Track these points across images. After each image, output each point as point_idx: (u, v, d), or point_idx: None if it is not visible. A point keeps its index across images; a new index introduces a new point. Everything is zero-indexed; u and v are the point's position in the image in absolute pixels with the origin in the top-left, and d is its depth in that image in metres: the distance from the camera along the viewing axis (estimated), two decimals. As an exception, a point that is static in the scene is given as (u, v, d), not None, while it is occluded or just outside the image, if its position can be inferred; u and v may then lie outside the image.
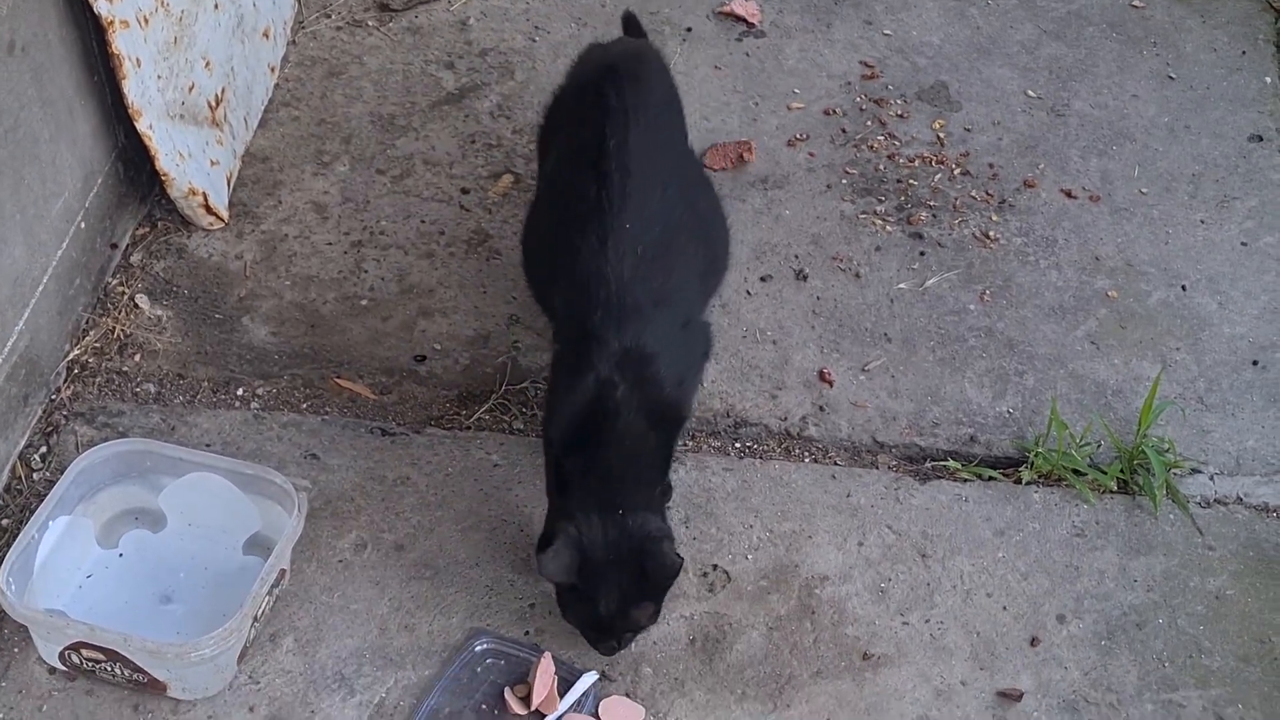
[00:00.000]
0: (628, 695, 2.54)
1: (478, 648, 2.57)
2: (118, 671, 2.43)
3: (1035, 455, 2.89)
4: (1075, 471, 2.88)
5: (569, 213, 2.60)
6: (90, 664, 2.44)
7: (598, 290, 2.50)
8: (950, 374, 3.06)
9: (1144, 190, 3.45)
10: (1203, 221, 3.40)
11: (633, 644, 2.52)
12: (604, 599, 2.43)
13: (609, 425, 2.47)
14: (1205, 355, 3.13)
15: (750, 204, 3.35)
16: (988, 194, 3.41)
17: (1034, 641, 2.64)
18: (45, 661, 2.50)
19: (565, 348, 2.61)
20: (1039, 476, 2.89)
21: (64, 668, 2.48)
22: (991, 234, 3.33)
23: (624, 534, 2.43)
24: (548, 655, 2.51)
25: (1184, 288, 3.25)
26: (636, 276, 2.51)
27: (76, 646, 2.42)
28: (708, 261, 2.72)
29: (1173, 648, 2.65)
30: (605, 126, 2.59)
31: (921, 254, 3.28)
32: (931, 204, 3.39)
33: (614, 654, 2.53)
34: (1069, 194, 3.44)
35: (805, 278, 3.22)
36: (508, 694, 2.52)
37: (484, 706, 2.51)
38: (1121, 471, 2.88)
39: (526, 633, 2.59)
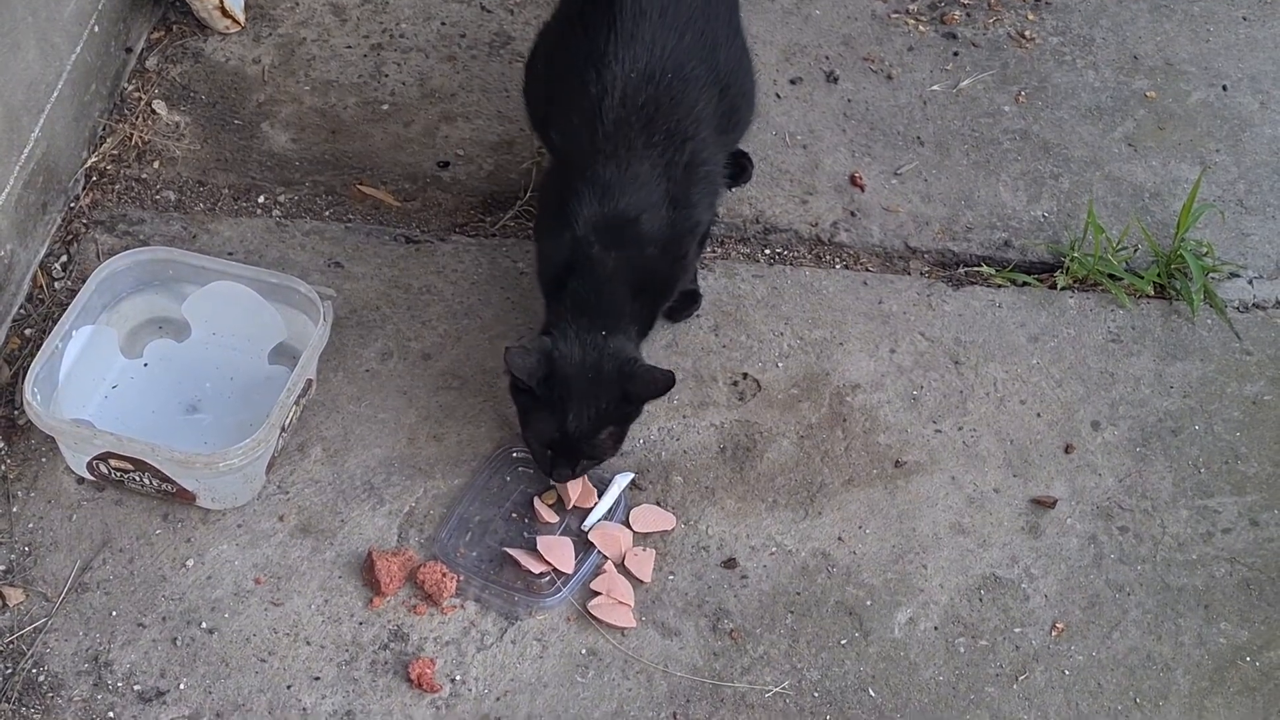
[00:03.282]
0: (658, 504, 2.52)
1: (507, 456, 2.55)
2: (146, 481, 2.42)
3: (1070, 260, 2.84)
4: (1111, 276, 2.83)
5: (575, 46, 2.50)
6: (118, 474, 2.42)
7: (592, 133, 2.42)
8: (984, 177, 3.00)
9: (1185, -14, 3.35)
10: (1245, 19, 3.30)
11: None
12: (574, 414, 2.37)
13: (588, 283, 2.42)
14: (1246, 157, 3.06)
15: (779, 3, 3.26)
16: (1024, -10, 3.32)
17: (1068, 448, 2.62)
18: (73, 472, 2.49)
19: (555, 183, 2.55)
20: (1074, 281, 2.84)
21: (92, 478, 2.47)
22: (1027, 33, 3.24)
23: (603, 355, 2.38)
24: None
25: (1225, 88, 3.17)
26: (635, 123, 2.42)
27: (104, 456, 2.40)
28: (725, 115, 2.57)
29: (1209, 454, 2.62)
30: None
31: (955, 54, 3.20)
32: (965, 2, 3.30)
33: (565, 481, 2.47)
34: (1107, -10, 3.34)
35: (835, 80, 3.14)
36: (537, 502, 2.51)
37: (514, 515, 2.50)
38: (1158, 276, 2.83)
39: (556, 442, 2.57)
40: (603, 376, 2.38)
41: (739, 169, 2.85)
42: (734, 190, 2.89)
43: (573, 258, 2.43)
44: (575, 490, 2.50)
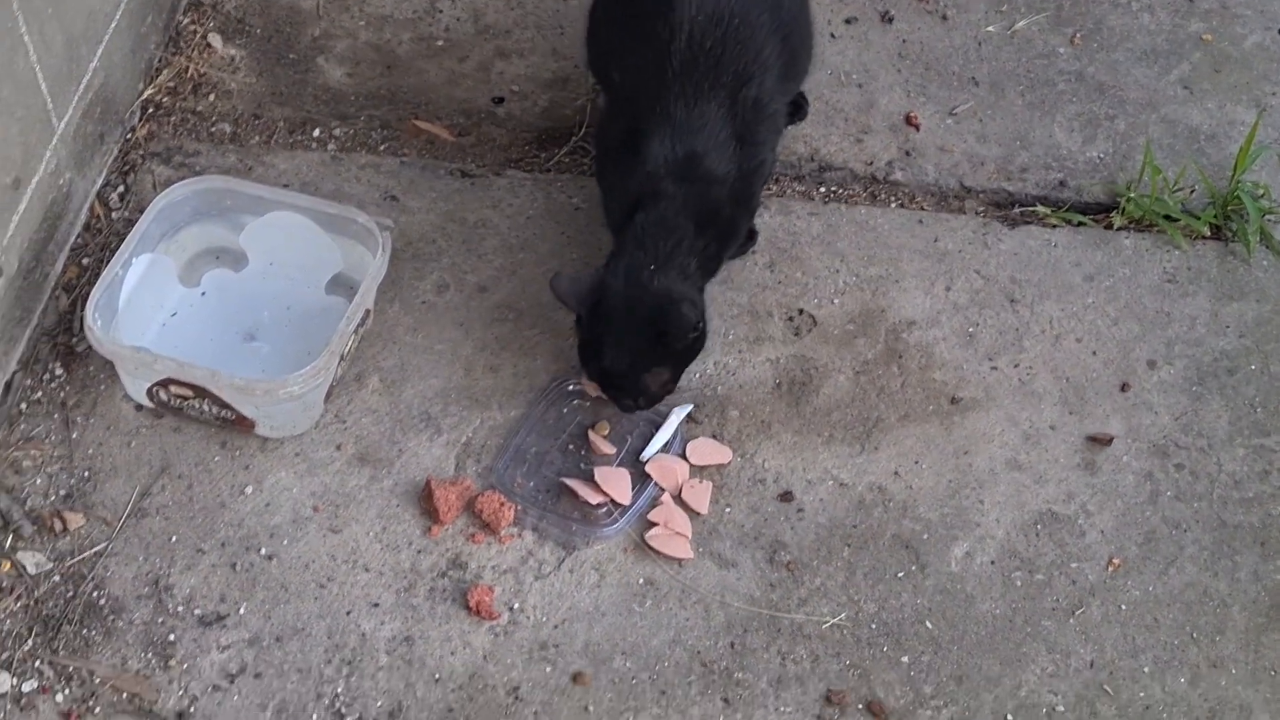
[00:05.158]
0: (715, 437, 2.52)
1: (563, 388, 2.56)
2: (205, 408, 2.43)
3: (1126, 201, 2.83)
4: (1167, 217, 2.82)
5: None
6: (178, 400, 2.43)
7: (661, 74, 2.43)
8: (1039, 118, 2.99)
9: (1242, -71, 3.32)
10: (1302, -38, 3.28)
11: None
12: (610, 351, 2.39)
13: (653, 216, 2.42)
14: (1303, 100, 3.04)
15: (834, -57, 3.24)
16: (1079, -67, 3.29)
17: (1124, 387, 2.61)
18: (132, 399, 2.50)
19: (617, 125, 2.55)
20: (1130, 222, 2.83)
21: (151, 404, 2.48)
22: (1083, -26, 3.22)
23: (645, 291, 2.38)
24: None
25: (1281, 30, 3.16)
26: (703, 65, 2.42)
27: (164, 383, 2.41)
28: (787, 63, 2.56)
29: (1264, 393, 2.61)
30: None
31: (1010, -5, 3.19)
32: (1021, -57, 3.27)
33: (633, 411, 2.49)
34: (1163, -68, 3.31)
35: (890, 19, 3.13)
36: (592, 435, 2.51)
37: (570, 447, 2.51)
38: (1215, 217, 2.82)
39: (612, 375, 2.57)
40: (640, 314, 2.38)
41: (795, 108, 2.85)
42: (790, 129, 2.87)
43: (641, 193, 2.43)
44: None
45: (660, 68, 2.43)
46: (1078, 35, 3.12)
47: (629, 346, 2.39)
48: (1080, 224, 2.82)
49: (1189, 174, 2.86)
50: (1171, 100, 3.02)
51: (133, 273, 2.50)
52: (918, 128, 2.95)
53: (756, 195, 2.58)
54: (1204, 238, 2.82)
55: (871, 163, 2.90)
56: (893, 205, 2.85)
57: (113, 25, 2.73)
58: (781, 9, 2.54)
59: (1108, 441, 2.54)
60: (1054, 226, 2.82)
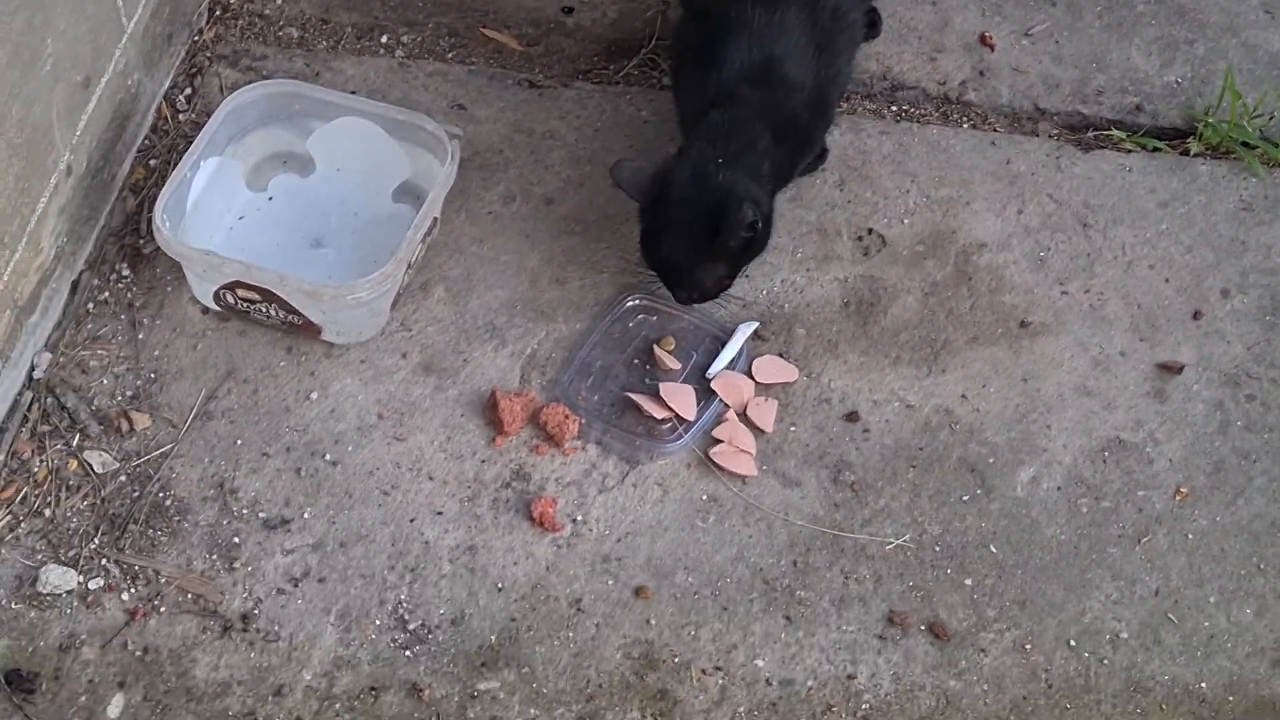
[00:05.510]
0: (781, 356, 2.51)
1: (629, 303, 2.54)
2: (272, 313, 2.43)
3: (1204, 126, 2.78)
4: (1245, 144, 2.77)
5: None
6: (245, 304, 2.43)
7: None
8: (1117, 41, 2.93)
9: None
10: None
11: (725, 299, 2.49)
12: (669, 242, 2.39)
13: (728, 115, 2.41)
14: (1388, 28, 2.98)
15: None
16: None
17: (1196, 315, 2.58)
18: (198, 302, 2.50)
19: (694, 30, 2.54)
20: (1207, 149, 2.79)
21: (218, 308, 2.48)
22: (1164, -105, 3.16)
23: (710, 184, 2.37)
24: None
25: (1368, -45, 3.08)
26: None
27: (232, 286, 2.40)
28: None
29: (1340, 325, 2.58)
30: None
31: (1090, -86, 3.12)
32: None
33: (688, 304, 2.48)
34: None
35: (967, -64, 3.08)
36: (657, 350, 2.50)
37: (635, 361, 2.50)
38: (1294, 145, 2.78)
39: (678, 290, 2.55)
40: (700, 206, 2.36)
41: (869, 24, 2.81)
42: (862, 46, 2.83)
43: (717, 94, 2.42)
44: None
45: None
46: (1158, -44, 3.06)
47: (686, 238, 2.38)
48: (1156, 149, 2.78)
49: (1269, 100, 2.81)
50: (1253, 25, 2.96)
51: (200, 175, 2.49)
52: (992, 48, 2.90)
53: (833, 105, 2.56)
54: (1282, 166, 2.77)
55: (944, 82, 2.86)
56: (965, 126, 2.81)
57: (180, -76, 2.71)
58: None
59: (1178, 370, 2.51)
60: (1129, 151, 2.78)
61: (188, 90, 2.76)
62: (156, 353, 2.46)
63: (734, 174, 2.38)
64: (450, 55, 2.86)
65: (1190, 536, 2.35)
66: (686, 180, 2.38)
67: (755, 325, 2.52)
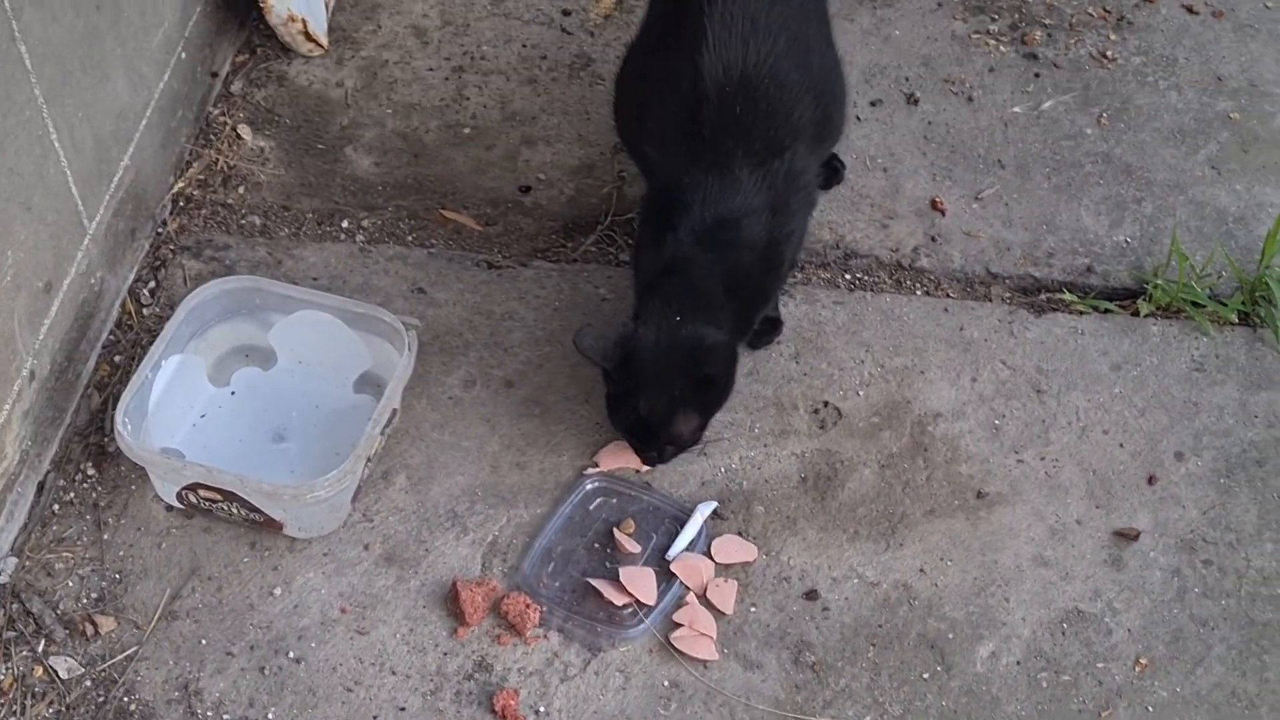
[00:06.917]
0: (740, 534, 2.53)
1: (588, 486, 2.57)
2: (234, 511, 2.45)
3: (1154, 286, 2.82)
4: (1194, 304, 2.81)
5: (667, 60, 2.51)
6: (207, 503, 2.46)
7: (691, 143, 2.45)
8: (1066, 201, 2.99)
9: (1269, 4, 3.32)
10: (1331, 38, 3.27)
11: (675, 459, 2.53)
12: (645, 398, 2.43)
13: (682, 278, 2.46)
14: (1332, 181, 3.03)
15: (858, 24, 3.25)
16: (1105, 10, 3.30)
17: (1151, 480, 2.60)
18: (162, 500, 2.52)
19: (654, 199, 2.58)
20: (1157, 308, 2.83)
21: (181, 506, 2.50)
22: (1109, 53, 3.23)
23: (680, 338, 2.42)
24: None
25: (1310, 109, 3.15)
26: (734, 132, 2.44)
27: (194, 487, 2.43)
28: (819, 122, 2.56)
29: (1293, 486, 2.61)
30: None
31: (1036, 75, 3.19)
32: (1046, 22, 3.28)
33: (654, 465, 2.53)
34: (1190, 9, 3.32)
35: (916, 101, 3.14)
36: (617, 533, 2.52)
37: (596, 545, 2.52)
38: (1243, 303, 2.82)
39: (637, 471, 2.58)
40: (677, 359, 2.42)
41: (831, 171, 2.85)
42: (815, 214, 2.87)
43: (670, 258, 2.47)
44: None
45: (691, 138, 2.45)
46: (1104, 115, 3.12)
47: (660, 390, 2.43)
48: (1107, 310, 2.82)
49: (1216, 258, 2.85)
50: (1199, 181, 3.02)
51: (162, 375, 2.53)
52: (943, 212, 2.95)
53: (787, 263, 2.60)
54: (1232, 324, 2.81)
55: (897, 249, 2.90)
56: (918, 293, 2.86)
57: (143, 122, 2.77)
58: (812, 66, 2.54)
59: (1134, 536, 2.53)
60: (1081, 313, 2.82)
61: (151, 284, 2.80)
62: (121, 552, 2.49)
63: (697, 327, 2.43)
64: (410, 238, 2.91)
65: (1151, 709, 2.37)
66: (654, 339, 2.43)
67: (714, 505, 2.54)
